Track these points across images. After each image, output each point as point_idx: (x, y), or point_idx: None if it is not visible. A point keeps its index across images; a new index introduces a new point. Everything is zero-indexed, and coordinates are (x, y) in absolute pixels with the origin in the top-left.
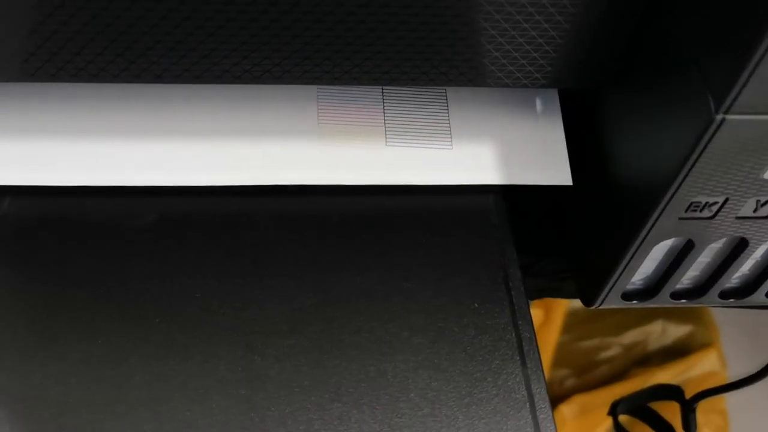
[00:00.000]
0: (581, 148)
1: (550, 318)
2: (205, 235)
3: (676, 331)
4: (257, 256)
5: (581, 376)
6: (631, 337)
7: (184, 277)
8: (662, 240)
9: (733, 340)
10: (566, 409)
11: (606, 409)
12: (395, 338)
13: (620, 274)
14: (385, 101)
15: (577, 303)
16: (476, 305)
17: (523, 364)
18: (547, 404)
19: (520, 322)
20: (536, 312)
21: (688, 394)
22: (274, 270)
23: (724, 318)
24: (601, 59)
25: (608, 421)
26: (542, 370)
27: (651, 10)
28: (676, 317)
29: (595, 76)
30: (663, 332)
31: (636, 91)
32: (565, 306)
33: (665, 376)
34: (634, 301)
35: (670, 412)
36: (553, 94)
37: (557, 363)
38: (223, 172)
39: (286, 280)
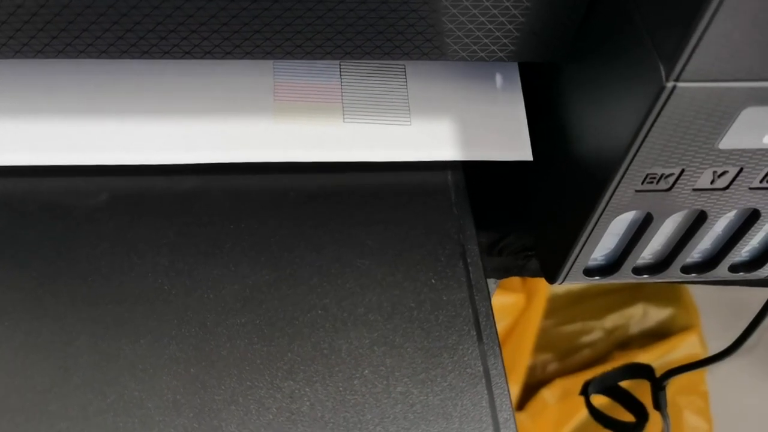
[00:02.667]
0: (541, 122)
1: (532, 303)
2: (158, 214)
3: (657, 315)
4: (211, 234)
5: (563, 360)
6: (612, 320)
7: (136, 257)
8: (620, 213)
9: (713, 323)
10: (548, 393)
11: None
12: (350, 315)
13: (581, 249)
14: (342, 77)
15: (559, 288)
16: (433, 281)
17: (480, 339)
18: (504, 379)
19: (477, 297)
20: (518, 297)
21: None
22: (227, 248)
23: (704, 301)
24: (558, 32)
25: None
26: (499, 346)
27: None
28: (657, 301)
29: (552, 49)
30: (644, 315)
31: (592, 63)
32: (546, 291)
33: (646, 358)
34: (597, 277)
35: (642, 391)
36: (514, 69)
37: (539, 347)
38: (177, 151)
39: (240, 258)
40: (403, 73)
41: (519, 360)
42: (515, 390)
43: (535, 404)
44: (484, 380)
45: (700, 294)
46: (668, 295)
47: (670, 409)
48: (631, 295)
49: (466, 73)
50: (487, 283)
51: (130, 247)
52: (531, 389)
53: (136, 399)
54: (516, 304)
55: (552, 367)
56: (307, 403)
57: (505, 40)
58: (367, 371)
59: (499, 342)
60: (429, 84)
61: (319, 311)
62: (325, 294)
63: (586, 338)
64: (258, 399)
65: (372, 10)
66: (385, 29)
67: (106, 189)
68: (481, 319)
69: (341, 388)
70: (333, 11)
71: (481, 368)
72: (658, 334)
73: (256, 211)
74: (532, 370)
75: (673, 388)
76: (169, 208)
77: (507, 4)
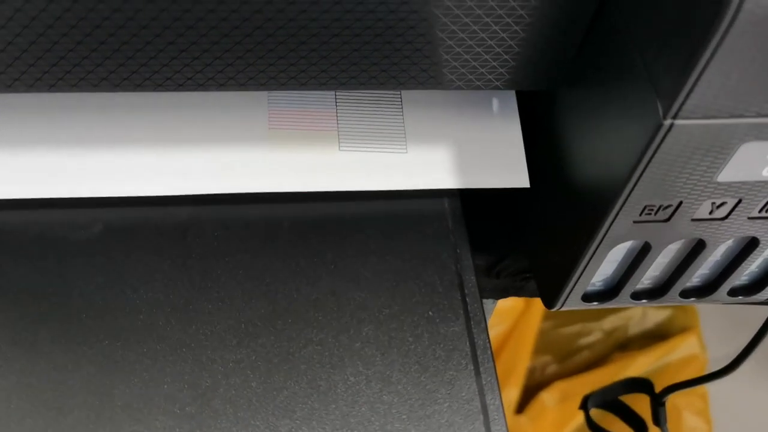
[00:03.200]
0: (538, 148)
1: (530, 305)
2: (152, 246)
3: (656, 316)
4: (205, 267)
5: (562, 362)
6: (611, 322)
7: (130, 291)
8: (618, 243)
9: (712, 324)
10: (547, 396)
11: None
12: (346, 350)
13: (579, 277)
14: (338, 105)
15: None
16: (430, 313)
17: (477, 373)
18: (501, 414)
19: (474, 330)
20: (517, 300)
21: (669, 377)
22: (222, 281)
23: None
24: (555, 60)
25: None
26: (496, 379)
27: (601, 9)
28: None
29: (549, 78)
30: (643, 317)
31: (588, 92)
32: None
33: (645, 360)
34: (595, 303)
35: (642, 405)
36: (510, 95)
37: (538, 350)
38: (171, 181)
39: (234, 292)
40: (399, 101)
41: (518, 362)
42: (514, 393)
43: (534, 407)
44: (482, 416)
45: None
46: None
47: (669, 410)
48: None
49: (462, 100)
50: (484, 314)
51: (124, 281)
52: (530, 392)
53: None
54: (515, 307)
55: (551, 369)
56: None
57: (501, 69)
58: (364, 408)
59: (497, 375)
60: (425, 111)
61: (316, 346)
62: (321, 328)
63: (585, 340)
64: None
65: (367, 43)
66: (380, 60)
67: (100, 220)
68: (478, 353)
69: (338, 426)
70: (327, 44)
71: (478, 404)
72: (657, 336)
73: (251, 242)
74: (531, 372)
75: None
76: (163, 240)
77: (503, 35)
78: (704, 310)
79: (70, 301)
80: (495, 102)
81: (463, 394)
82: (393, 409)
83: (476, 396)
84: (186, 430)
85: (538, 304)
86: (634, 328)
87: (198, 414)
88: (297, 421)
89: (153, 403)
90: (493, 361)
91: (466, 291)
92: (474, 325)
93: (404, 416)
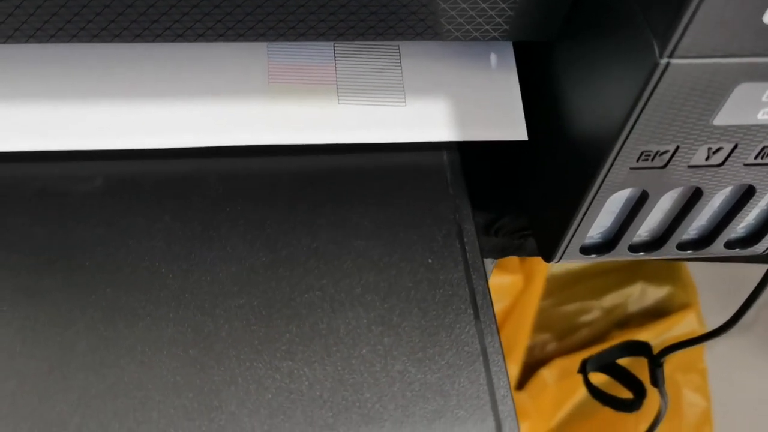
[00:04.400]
0: (536, 101)
1: (530, 283)
2: (153, 198)
3: (655, 293)
4: (206, 218)
5: (562, 340)
6: (610, 300)
7: (132, 241)
8: (615, 191)
9: (711, 301)
10: (547, 373)
11: None
12: (347, 296)
13: (577, 228)
14: (337, 59)
15: (557, 268)
16: (430, 260)
17: (477, 317)
18: (501, 357)
19: (473, 276)
20: (516, 278)
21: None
22: (223, 231)
23: (702, 279)
24: (552, 10)
25: None
26: (496, 324)
27: None
28: (655, 279)
29: (546, 28)
30: (642, 294)
31: (585, 41)
32: (545, 271)
33: (645, 337)
34: (593, 255)
35: (640, 368)
36: (508, 49)
37: (538, 328)
38: (172, 135)
39: (235, 242)
40: (398, 54)
41: (518, 340)
42: (514, 370)
43: (534, 384)
44: (481, 358)
45: (698, 272)
46: (666, 273)
47: (668, 387)
48: (629, 275)
49: (460, 53)
50: (483, 262)
51: (126, 232)
52: (530, 369)
53: (135, 381)
54: (514, 285)
55: (551, 347)
56: (306, 383)
57: (498, 20)
58: (365, 351)
59: (495, 320)
60: (423, 64)
61: (317, 292)
62: (321, 275)
63: (585, 318)
64: (257, 379)
65: None
66: (379, 9)
67: (101, 174)
68: (477, 298)
69: (339, 368)
70: None
71: (478, 346)
72: (657, 313)
73: (252, 194)
74: (530, 350)
75: (672, 365)
76: (163, 193)
77: None
78: (703, 287)
79: (73, 252)
80: (493, 55)
81: (463, 337)
82: (394, 351)
83: (475, 339)
84: (190, 371)
85: (537, 282)
86: (633, 306)
87: (201, 356)
88: (299, 363)
89: (156, 346)
90: (492, 306)
91: (465, 239)
92: (473, 271)
93: (404, 358)
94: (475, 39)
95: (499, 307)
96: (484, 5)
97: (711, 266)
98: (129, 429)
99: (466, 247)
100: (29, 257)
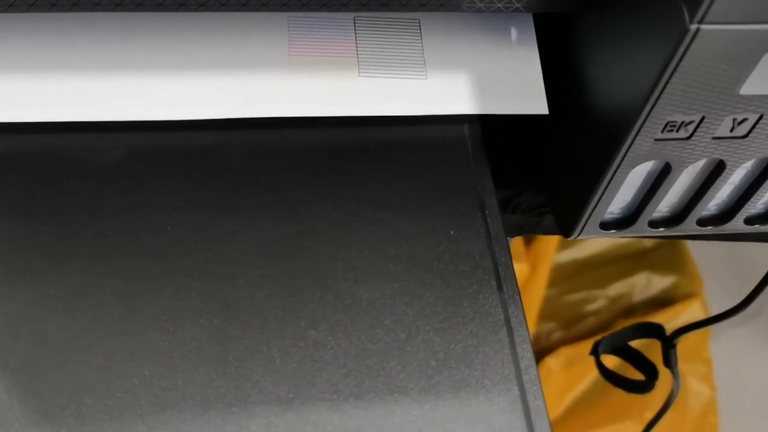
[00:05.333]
0: (557, 75)
1: (536, 272)
2: (176, 169)
3: (660, 283)
4: (229, 189)
5: (567, 328)
6: (616, 289)
7: (154, 211)
8: (639, 163)
9: (716, 290)
10: (553, 362)
11: (592, 360)
12: (370, 266)
13: (597, 202)
14: (357, 31)
15: (563, 257)
16: (452, 232)
17: (500, 288)
18: (524, 327)
19: (496, 248)
20: (522, 267)
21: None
22: (246, 203)
23: (707, 268)
24: None
25: (594, 372)
26: (519, 294)
27: None
28: (660, 269)
29: None
30: (647, 284)
31: (609, 11)
32: (550, 260)
33: None
34: (613, 231)
35: (652, 350)
36: (528, 21)
37: (543, 316)
38: (193, 107)
39: (259, 213)
40: (418, 28)
41: None
42: None
43: (540, 372)
44: (504, 328)
45: (703, 262)
46: (671, 263)
47: None
48: (634, 264)
49: (480, 27)
50: (505, 235)
51: (149, 203)
52: (535, 357)
53: (160, 348)
54: (520, 274)
55: (556, 335)
56: (331, 352)
57: None
58: (388, 321)
59: (518, 291)
60: (444, 38)
61: (339, 263)
62: (344, 246)
63: (590, 307)
64: (281, 348)
65: None
66: None
67: (123, 145)
68: (500, 269)
69: (363, 338)
70: None
71: (501, 316)
72: (662, 302)
73: (274, 166)
74: (536, 338)
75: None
76: (186, 164)
77: None
78: (708, 277)
79: (96, 221)
80: (513, 28)
81: (486, 308)
82: (418, 321)
83: (499, 309)
84: (214, 340)
85: (543, 271)
86: (639, 295)
87: (225, 325)
88: (323, 332)
89: (180, 314)
90: (515, 277)
91: (487, 211)
92: (495, 243)
93: (428, 327)
94: (497, 10)
95: None
96: None
97: (716, 255)
98: (155, 395)
99: (488, 219)
100: (52, 227)
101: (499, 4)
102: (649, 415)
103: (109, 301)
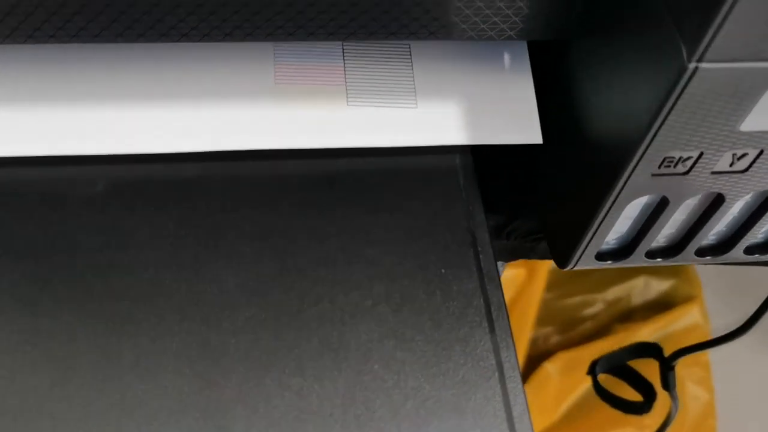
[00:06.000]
0: (551, 102)
1: (533, 276)
2: (157, 203)
3: (658, 286)
4: (212, 224)
5: (565, 333)
6: (614, 293)
7: (135, 249)
8: (635, 198)
9: (715, 294)
10: (550, 366)
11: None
12: (358, 307)
13: (593, 234)
14: (345, 59)
15: None
16: (443, 270)
17: (492, 331)
18: (517, 372)
19: (488, 287)
20: (519, 271)
21: (671, 348)
22: (229, 239)
23: (706, 272)
24: (570, 6)
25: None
26: (512, 337)
27: None
28: (658, 272)
29: (563, 26)
30: (645, 287)
31: (604, 39)
32: (548, 264)
33: (648, 330)
34: (609, 261)
35: (650, 370)
36: (522, 48)
37: (541, 321)
38: (176, 139)
39: (242, 249)
40: (408, 54)
41: (521, 333)
42: None
43: (537, 377)
44: (497, 373)
45: (701, 265)
46: (669, 266)
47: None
48: (632, 268)
49: (473, 53)
50: (498, 271)
51: (129, 240)
52: (533, 362)
53: (139, 398)
54: (517, 278)
55: (554, 339)
56: (316, 401)
57: (514, 18)
58: (377, 366)
59: (511, 333)
60: (435, 65)
61: (327, 303)
62: (331, 285)
63: (588, 311)
64: (265, 397)
65: None
66: (391, 8)
67: (103, 178)
68: (493, 310)
69: (351, 384)
70: None
71: (493, 361)
72: (660, 306)
73: (258, 199)
74: (534, 343)
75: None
76: (168, 198)
77: None
78: (707, 279)
79: (75, 260)
80: (506, 55)
81: (478, 351)
82: (407, 366)
83: (491, 353)
84: (196, 388)
85: (540, 274)
86: (637, 299)
87: (207, 373)
88: (309, 380)
89: (162, 362)
90: (508, 318)
91: (479, 248)
92: (488, 281)
93: (418, 374)
94: (490, 38)
95: None
96: (500, 3)
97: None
98: None
99: (480, 256)
100: (29, 266)
101: (491, 33)
102: (649, 422)
103: (86, 346)
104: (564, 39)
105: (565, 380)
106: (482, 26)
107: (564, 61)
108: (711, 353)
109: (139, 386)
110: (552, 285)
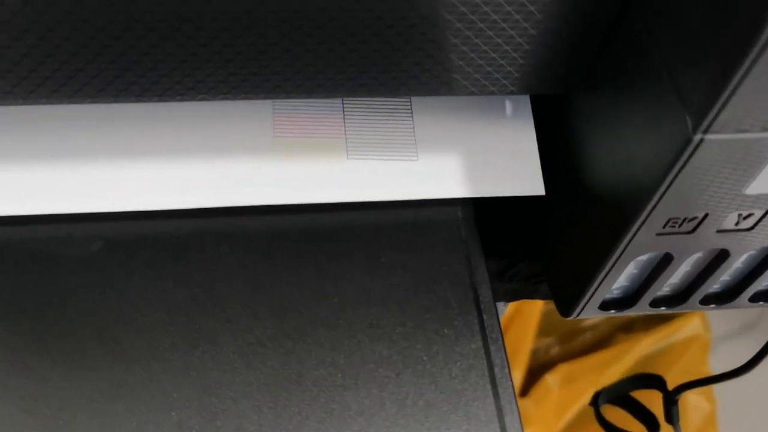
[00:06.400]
0: (554, 154)
1: None
2: (153, 263)
3: None
4: (209, 283)
5: (566, 344)
6: None
7: (131, 310)
8: (639, 255)
9: None
10: (551, 378)
11: (591, 376)
12: (359, 371)
13: (596, 288)
14: (345, 112)
15: None
16: (445, 330)
17: (495, 394)
18: None
19: (491, 348)
20: None
21: (672, 359)
22: (227, 299)
23: None
24: (572, 63)
25: (593, 389)
26: (515, 400)
27: (623, 11)
28: None
29: (565, 81)
30: None
31: (608, 99)
32: None
33: (649, 341)
34: (612, 311)
35: (652, 401)
36: (525, 100)
37: (542, 331)
38: (172, 195)
39: (240, 311)
40: (409, 107)
41: (522, 345)
42: (518, 376)
43: (538, 390)
44: None
45: None
46: None
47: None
48: None
49: (474, 105)
50: (501, 330)
51: (125, 301)
52: (534, 374)
53: None
54: None
55: (555, 351)
56: None
57: (516, 74)
58: None
59: (515, 395)
60: (436, 117)
61: (327, 368)
62: (332, 348)
63: (589, 322)
64: None
65: (375, 50)
66: (390, 68)
67: (100, 236)
68: (496, 372)
69: None
70: (334, 51)
71: (497, 426)
72: (661, 317)
73: (256, 256)
74: (534, 354)
75: (676, 370)
76: (164, 256)
77: (517, 37)
78: None
79: (70, 323)
80: (508, 107)
81: (482, 416)
82: None
83: (495, 418)
84: None
85: None
86: None
87: None
88: None
89: (160, 430)
90: (511, 380)
91: (481, 306)
92: (491, 342)
93: None
94: (491, 93)
95: (502, 310)
96: (501, 61)
97: None
98: None
99: (483, 315)
100: (22, 329)
101: (492, 88)
102: None
103: (83, 415)
104: (566, 93)
105: (566, 392)
106: (483, 82)
107: (567, 114)
108: (712, 364)
109: None
110: None
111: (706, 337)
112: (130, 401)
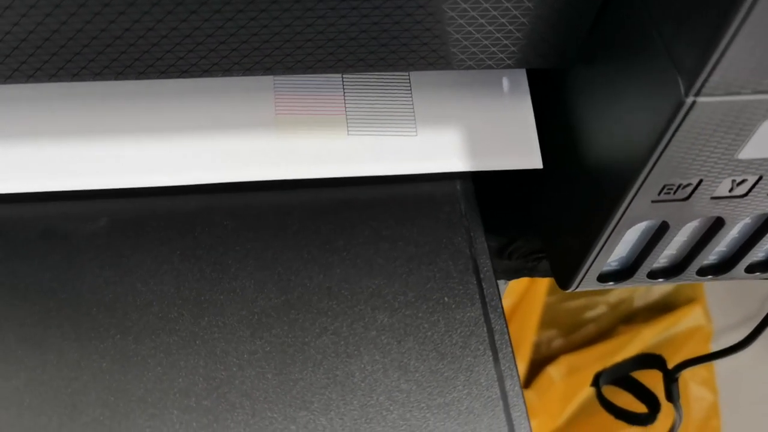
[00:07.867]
0: (551, 127)
1: (535, 280)
2: (160, 238)
3: (660, 288)
4: (215, 257)
5: (568, 336)
6: (616, 295)
7: (139, 284)
8: (636, 223)
9: (717, 295)
10: (554, 370)
11: (593, 368)
12: (362, 339)
13: (594, 258)
14: (345, 89)
15: None
16: (446, 299)
17: (496, 360)
18: (521, 401)
19: (491, 315)
20: None
21: (675, 349)
22: (233, 272)
23: None
24: (567, 37)
25: None
26: (515, 365)
27: None
28: None
29: (561, 55)
30: (648, 289)
31: (603, 69)
32: None
33: (651, 332)
34: (611, 283)
35: (654, 380)
36: (521, 74)
37: (544, 324)
38: (177, 172)
39: (246, 282)
40: (408, 83)
41: (524, 337)
42: (521, 368)
43: (541, 381)
44: (501, 403)
45: None
46: None
47: None
48: None
49: (472, 81)
50: (501, 298)
51: (133, 275)
52: (537, 366)
53: None
54: (520, 282)
55: (557, 343)
56: None
57: (513, 48)
58: (381, 398)
59: (515, 361)
60: (434, 92)
61: (331, 336)
62: (335, 317)
63: (591, 313)
64: (272, 431)
65: (374, 24)
66: (389, 41)
67: (106, 213)
68: (496, 338)
69: (356, 417)
70: (334, 26)
71: (498, 391)
72: (663, 308)
73: (261, 231)
74: (537, 346)
75: (678, 360)
76: (171, 232)
77: (514, 11)
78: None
79: (79, 297)
80: (505, 82)
81: (482, 381)
82: (411, 397)
83: (495, 383)
84: (202, 423)
85: (543, 278)
86: (639, 301)
87: (214, 407)
88: (314, 413)
89: (168, 397)
90: (511, 346)
91: (481, 275)
92: (491, 310)
93: (423, 405)
94: (488, 67)
95: (505, 303)
96: (497, 34)
97: None
98: None
99: (483, 284)
100: (34, 304)
101: (489, 62)
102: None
103: (92, 384)
104: (562, 67)
105: (569, 384)
106: (480, 56)
107: (563, 88)
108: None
109: (145, 423)
110: (554, 288)
111: (708, 328)
112: (139, 370)
